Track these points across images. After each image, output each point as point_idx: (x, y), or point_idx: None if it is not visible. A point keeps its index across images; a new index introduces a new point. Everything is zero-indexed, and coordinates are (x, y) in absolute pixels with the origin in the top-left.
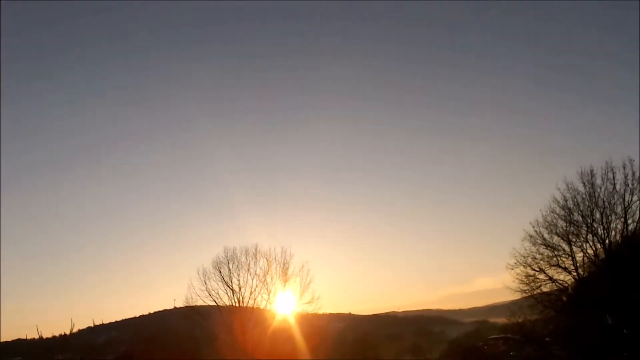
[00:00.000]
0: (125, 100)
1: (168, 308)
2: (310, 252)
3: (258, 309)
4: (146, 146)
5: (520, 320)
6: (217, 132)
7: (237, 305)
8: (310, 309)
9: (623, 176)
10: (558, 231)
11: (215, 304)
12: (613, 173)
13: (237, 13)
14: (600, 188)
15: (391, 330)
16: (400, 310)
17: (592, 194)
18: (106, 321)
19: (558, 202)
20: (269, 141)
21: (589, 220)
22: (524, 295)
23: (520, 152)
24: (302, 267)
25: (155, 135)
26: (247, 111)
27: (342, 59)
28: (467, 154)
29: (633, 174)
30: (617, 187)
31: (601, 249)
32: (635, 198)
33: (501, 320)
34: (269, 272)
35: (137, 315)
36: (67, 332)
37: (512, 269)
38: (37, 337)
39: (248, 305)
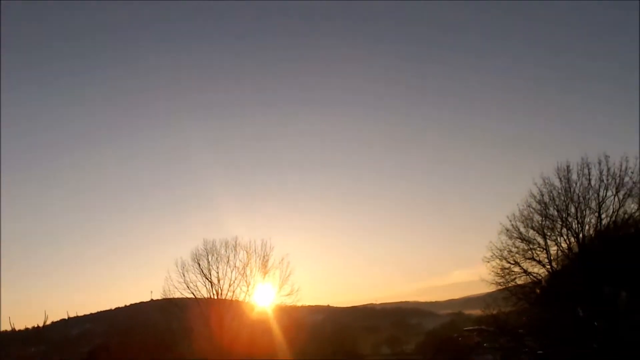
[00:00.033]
0: (103, 94)
1: (145, 300)
2: (290, 244)
3: (237, 301)
4: (124, 139)
5: (494, 312)
6: (196, 125)
7: (216, 297)
8: (289, 301)
9: (598, 172)
10: (534, 225)
11: (193, 297)
12: (588, 169)
13: (214, 6)
14: (576, 183)
15: (369, 322)
16: (378, 302)
17: (567, 189)
18: (81, 313)
19: (535, 196)
20: (248, 134)
21: (564, 215)
22: (499, 287)
23: (499, 148)
24: (282, 259)
25: (133, 128)
26: (226, 104)
27: (319, 53)
28: (447, 148)
29: (608, 170)
30: (592, 182)
31: (575, 243)
32: (609, 194)
33: (476, 312)
34: (249, 265)
35: (113, 308)
36: (41, 325)
37: (489, 261)
38: (9, 329)
39: (227, 298)
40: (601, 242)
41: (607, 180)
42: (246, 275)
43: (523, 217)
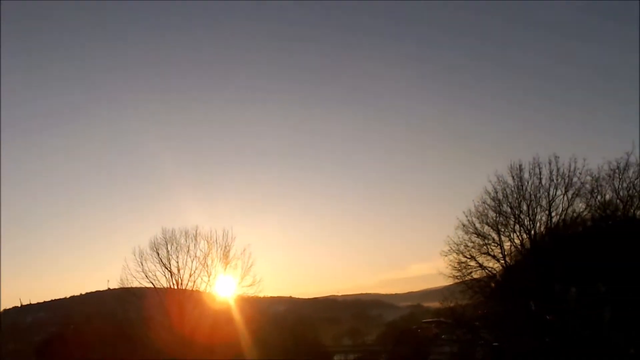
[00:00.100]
0: (58, 77)
1: (101, 289)
2: (252, 235)
3: (197, 291)
4: (80, 125)
5: (452, 305)
6: (152, 111)
7: (176, 287)
8: (251, 292)
9: (548, 172)
10: (488, 221)
11: (152, 286)
12: (540, 168)
13: None
14: (528, 182)
15: (330, 314)
16: (339, 294)
17: (520, 187)
18: (34, 301)
19: (489, 193)
20: (207, 122)
21: (516, 212)
22: (456, 281)
23: (457, 144)
24: (243, 250)
25: (90, 113)
26: (185, 90)
27: (274, 43)
28: (408, 143)
29: (558, 170)
30: (543, 181)
31: (527, 239)
32: (559, 192)
33: (434, 304)
34: (210, 255)
35: (68, 297)
36: None
37: (446, 255)
38: None
39: (187, 288)
40: (551, 239)
41: (557, 180)
42: (207, 266)
43: (478, 213)
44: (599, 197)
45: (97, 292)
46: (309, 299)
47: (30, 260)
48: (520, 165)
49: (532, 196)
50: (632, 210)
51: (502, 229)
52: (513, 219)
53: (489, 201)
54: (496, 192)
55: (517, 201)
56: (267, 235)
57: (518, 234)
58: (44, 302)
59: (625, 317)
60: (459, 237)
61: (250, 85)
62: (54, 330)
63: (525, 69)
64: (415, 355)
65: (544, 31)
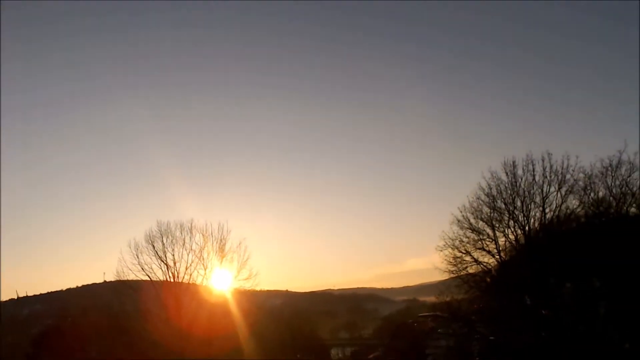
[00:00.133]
0: (55, 68)
1: (97, 282)
2: (247, 229)
3: (194, 284)
4: (76, 118)
5: (448, 299)
6: (146, 103)
7: (172, 280)
8: (248, 286)
9: (542, 168)
10: (483, 217)
11: (148, 279)
12: (533, 165)
13: None
14: (521, 178)
15: (327, 307)
16: (335, 288)
17: (514, 183)
18: (30, 294)
19: (483, 189)
20: (203, 115)
21: (510, 208)
22: (452, 275)
23: (453, 141)
24: (239, 243)
25: (86, 106)
26: (182, 84)
27: (274, 39)
28: (404, 139)
29: (551, 166)
30: (537, 178)
31: (521, 235)
32: (552, 189)
33: (430, 299)
34: (206, 248)
35: (64, 289)
36: None
37: (441, 250)
38: None
39: (183, 281)
40: (546, 235)
41: (550, 176)
42: (203, 259)
43: (473, 209)
44: (592, 194)
45: (94, 284)
46: (305, 292)
47: (26, 252)
48: (513, 162)
49: (526, 192)
50: (624, 208)
51: (497, 225)
52: (507, 215)
53: (483, 197)
54: (490, 189)
55: (511, 197)
56: (262, 229)
57: (512, 229)
58: (40, 294)
59: (619, 311)
60: (454, 233)
61: (248, 80)
62: (50, 322)
63: (520, 69)
64: (411, 349)
65: (541, 31)
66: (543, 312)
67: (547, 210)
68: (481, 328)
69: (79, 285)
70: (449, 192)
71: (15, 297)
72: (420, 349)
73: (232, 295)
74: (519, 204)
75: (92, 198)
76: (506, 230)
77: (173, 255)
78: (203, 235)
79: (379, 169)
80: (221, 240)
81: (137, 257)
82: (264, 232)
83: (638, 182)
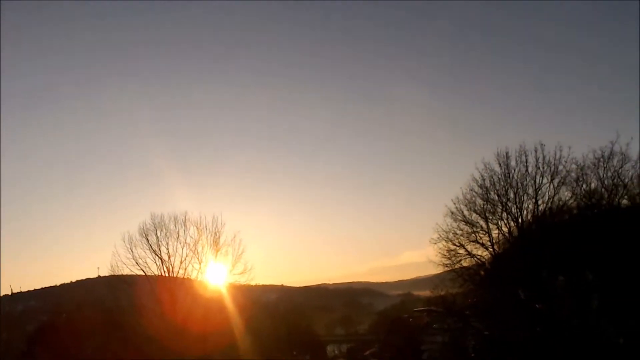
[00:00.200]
0: (47, 53)
1: (91, 277)
2: (242, 222)
3: (189, 279)
4: (67, 106)
5: (442, 293)
6: (143, 98)
7: (167, 275)
8: (243, 280)
9: (535, 159)
10: (476, 209)
11: (143, 273)
12: (526, 156)
13: None
14: (514, 169)
15: (322, 302)
16: (330, 282)
17: (507, 175)
18: (24, 289)
19: (477, 180)
20: (196, 107)
21: (504, 200)
22: (446, 269)
23: (448, 132)
24: (234, 237)
25: (79, 100)
26: (176, 76)
27: (269, 32)
28: (398, 132)
29: (544, 158)
30: (529, 169)
31: (515, 227)
32: (545, 181)
33: (425, 293)
34: (200, 241)
35: (58, 284)
36: None
37: (435, 243)
38: None
39: (178, 275)
40: (538, 227)
41: (543, 167)
42: (198, 253)
43: (466, 201)
44: (584, 186)
45: (88, 279)
46: (300, 287)
47: (19, 248)
48: (507, 153)
49: (519, 184)
50: (616, 199)
51: (490, 217)
52: (501, 207)
53: (476, 188)
54: (483, 180)
55: (504, 189)
56: (256, 223)
57: (506, 221)
58: (34, 290)
59: (612, 304)
60: (447, 225)
61: (244, 72)
62: (45, 318)
63: (513, 59)
64: (407, 345)
65: (533, 21)
66: (537, 306)
67: (540, 201)
68: (476, 323)
69: (73, 280)
70: (444, 184)
71: (9, 293)
72: (416, 345)
73: (227, 290)
74: (512, 195)
75: (86, 191)
76: (499, 222)
77: (167, 249)
78: (197, 228)
79: (373, 162)
80: (215, 233)
81: (132, 251)
82: (258, 226)
83: (630, 174)
